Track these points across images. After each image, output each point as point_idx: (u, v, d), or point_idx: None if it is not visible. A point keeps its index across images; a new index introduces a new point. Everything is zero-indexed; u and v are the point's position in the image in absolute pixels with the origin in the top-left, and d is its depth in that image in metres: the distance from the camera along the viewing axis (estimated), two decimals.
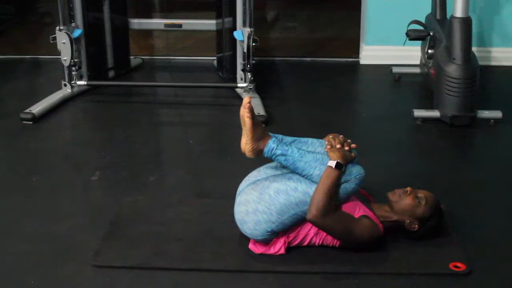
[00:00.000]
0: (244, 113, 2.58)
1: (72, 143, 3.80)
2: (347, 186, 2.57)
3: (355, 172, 2.58)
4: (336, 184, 2.53)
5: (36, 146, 3.66)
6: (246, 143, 2.61)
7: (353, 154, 2.62)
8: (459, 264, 2.57)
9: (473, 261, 2.60)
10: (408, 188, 2.67)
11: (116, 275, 2.56)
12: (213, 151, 3.59)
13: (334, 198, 2.54)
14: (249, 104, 2.59)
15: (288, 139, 2.72)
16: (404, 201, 2.65)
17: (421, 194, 2.66)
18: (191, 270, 2.58)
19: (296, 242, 2.64)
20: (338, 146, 2.60)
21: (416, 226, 2.65)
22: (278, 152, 2.58)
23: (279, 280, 2.54)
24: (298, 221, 2.59)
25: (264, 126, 2.67)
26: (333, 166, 2.53)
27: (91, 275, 2.57)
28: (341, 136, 2.67)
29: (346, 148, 2.61)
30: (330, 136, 2.67)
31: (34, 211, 3.01)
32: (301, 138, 2.73)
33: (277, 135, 2.69)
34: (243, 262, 2.61)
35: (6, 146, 3.69)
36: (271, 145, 2.59)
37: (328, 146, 2.61)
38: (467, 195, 3.15)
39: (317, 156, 2.59)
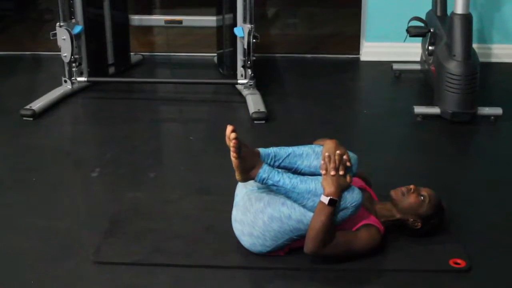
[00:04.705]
0: (228, 144, 2.45)
1: (72, 140, 3.80)
2: (343, 214, 2.48)
3: (351, 199, 2.47)
4: (331, 219, 2.44)
5: (36, 142, 3.66)
6: (236, 173, 2.51)
7: (348, 178, 2.50)
8: (459, 261, 2.57)
9: (473, 258, 2.60)
10: (412, 186, 2.65)
11: (117, 272, 2.56)
12: (213, 147, 3.59)
13: (330, 231, 2.47)
14: (235, 141, 2.43)
15: (282, 154, 2.58)
16: (408, 200, 2.63)
17: (424, 192, 2.64)
18: (191, 267, 2.58)
19: (296, 246, 2.60)
20: (332, 173, 2.47)
21: (419, 224, 2.64)
22: (270, 182, 2.49)
23: (280, 277, 2.54)
24: (294, 241, 2.56)
25: (253, 152, 2.52)
26: (326, 203, 2.43)
27: (91, 272, 2.57)
28: (337, 152, 2.50)
29: (341, 172, 2.48)
30: (326, 154, 2.50)
31: (34, 208, 3.01)
32: (295, 150, 2.59)
33: (269, 152, 2.57)
34: (243, 258, 2.61)
35: (7, 142, 3.68)
36: (262, 175, 2.48)
37: (323, 172, 2.49)
38: (467, 192, 3.15)
39: (310, 187, 2.47)
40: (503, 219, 2.92)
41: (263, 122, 3.82)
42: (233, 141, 2.43)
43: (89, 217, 2.95)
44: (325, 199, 2.43)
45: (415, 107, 3.88)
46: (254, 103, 3.96)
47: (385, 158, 3.44)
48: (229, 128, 2.45)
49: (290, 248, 2.61)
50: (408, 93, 4.38)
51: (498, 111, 3.85)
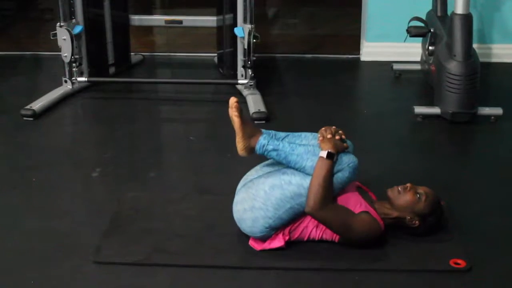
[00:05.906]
0: (232, 112, 2.61)
1: (73, 140, 3.80)
2: (341, 175, 2.57)
3: (347, 160, 2.58)
4: (330, 174, 2.53)
5: (36, 142, 3.66)
6: (237, 142, 2.62)
7: (345, 144, 2.62)
8: (459, 261, 2.58)
9: (473, 258, 2.60)
10: (408, 184, 2.66)
11: (117, 271, 2.56)
12: (213, 147, 3.59)
13: (330, 189, 2.54)
14: (236, 104, 2.60)
15: (281, 134, 2.73)
16: (404, 198, 2.64)
17: (421, 190, 2.66)
18: (191, 266, 2.58)
19: (296, 236, 2.64)
20: (329, 136, 2.61)
21: (417, 222, 2.65)
22: (270, 147, 2.59)
23: (280, 276, 2.54)
24: (296, 215, 2.60)
25: (253, 124, 2.67)
26: (325, 156, 2.53)
27: (91, 272, 2.57)
28: (333, 127, 2.67)
29: (337, 137, 2.62)
30: (323, 129, 2.67)
31: (34, 208, 3.01)
32: (294, 133, 2.75)
33: (269, 131, 2.71)
34: (243, 258, 2.61)
35: (7, 142, 3.69)
36: (262, 141, 2.60)
37: (320, 138, 2.62)
38: (467, 191, 3.15)
39: (308, 148, 2.60)
40: (503, 219, 2.92)
41: (264, 122, 3.82)
42: (235, 104, 2.59)
43: (89, 217, 2.95)
44: (323, 153, 2.54)
45: (415, 107, 3.88)
46: (255, 103, 3.96)
47: (385, 158, 3.45)
48: (233, 98, 2.62)
49: (290, 239, 2.62)
50: (408, 93, 4.38)
51: (498, 111, 3.85)
